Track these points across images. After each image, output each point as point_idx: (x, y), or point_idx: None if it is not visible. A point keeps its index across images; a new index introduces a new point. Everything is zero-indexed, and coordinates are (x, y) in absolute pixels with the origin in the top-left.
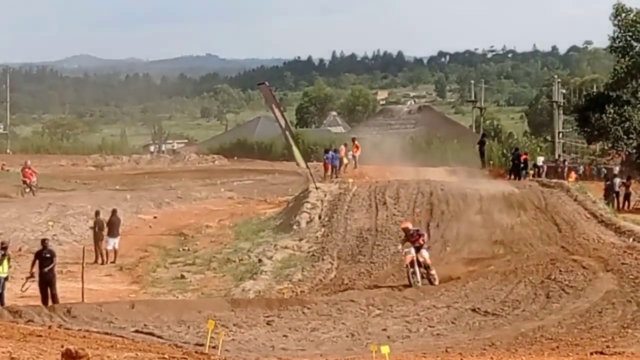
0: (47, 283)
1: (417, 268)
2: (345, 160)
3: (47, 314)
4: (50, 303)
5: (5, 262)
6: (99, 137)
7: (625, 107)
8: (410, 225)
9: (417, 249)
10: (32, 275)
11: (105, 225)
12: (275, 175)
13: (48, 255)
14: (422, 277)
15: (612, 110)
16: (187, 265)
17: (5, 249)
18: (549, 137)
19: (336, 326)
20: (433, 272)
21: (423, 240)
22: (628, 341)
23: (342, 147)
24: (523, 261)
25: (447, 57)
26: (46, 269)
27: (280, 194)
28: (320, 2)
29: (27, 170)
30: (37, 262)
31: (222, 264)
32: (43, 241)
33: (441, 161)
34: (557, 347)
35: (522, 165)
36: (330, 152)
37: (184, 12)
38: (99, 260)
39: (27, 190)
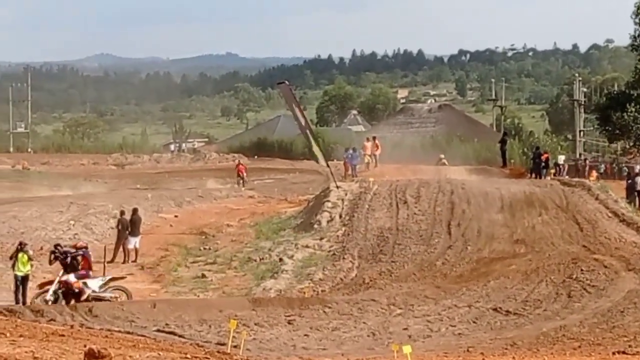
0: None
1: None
2: (366, 159)
3: (68, 313)
4: (72, 302)
5: (25, 261)
6: (120, 135)
7: None
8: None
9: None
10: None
11: (128, 224)
12: (296, 174)
13: (64, 257)
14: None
15: (633, 109)
16: (208, 264)
17: (23, 248)
18: (570, 136)
19: (357, 325)
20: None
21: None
22: None
23: (366, 144)
24: (544, 260)
25: (468, 55)
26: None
27: (301, 192)
28: (341, 1)
29: (240, 165)
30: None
31: (243, 263)
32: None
33: (462, 160)
34: (579, 346)
35: (543, 164)
36: (350, 151)
37: (204, 11)
38: (121, 260)
39: (240, 182)
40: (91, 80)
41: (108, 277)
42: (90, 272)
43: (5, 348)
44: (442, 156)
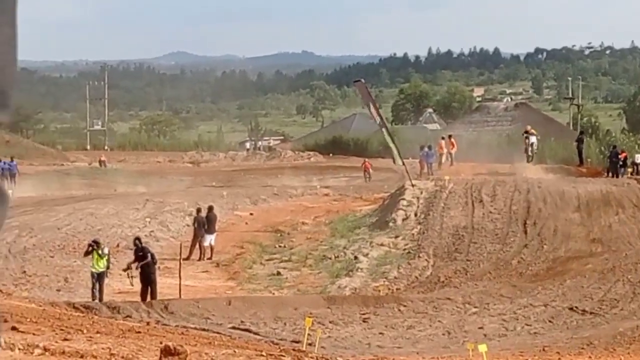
0: (145, 280)
1: None
2: (443, 158)
3: (144, 309)
4: (148, 299)
5: (101, 258)
6: (196, 133)
7: None
8: None
9: None
10: (128, 268)
11: (204, 222)
12: (371, 172)
13: (141, 254)
14: None
15: None
16: (283, 262)
17: (97, 245)
18: None
19: (432, 324)
20: None
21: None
22: None
23: (441, 142)
24: (621, 259)
25: (544, 53)
26: (146, 267)
27: (376, 190)
28: None
29: (367, 163)
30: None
31: (317, 261)
32: (134, 240)
33: (538, 159)
34: None
35: (620, 162)
36: (426, 149)
37: (280, 9)
38: (196, 257)
39: (367, 178)
40: (167, 78)
41: None
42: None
43: (82, 344)
44: (529, 127)
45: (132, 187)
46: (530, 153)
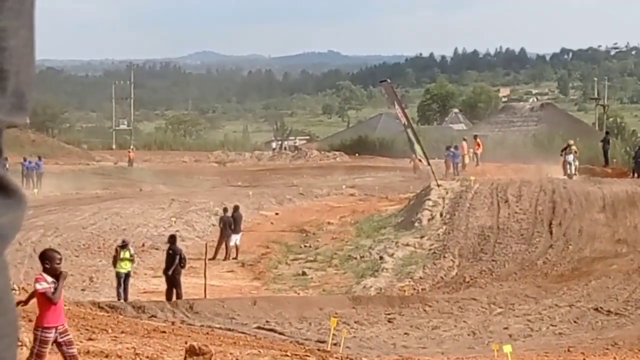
0: (170, 280)
1: None
2: (466, 160)
3: (169, 309)
4: (173, 299)
5: (127, 258)
6: (221, 133)
7: None
8: None
9: None
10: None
11: (230, 222)
12: (397, 172)
13: (170, 252)
14: None
15: None
16: (309, 262)
17: (125, 246)
18: None
19: (457, 324)
20: None
21: None
22: None
23: (463, 143)
24: None
25: (570, 54)
26: (172, 267)
27: (402, 190)
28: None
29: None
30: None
31: (343, 261)
32: (169, 238)
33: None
34: None
35: None
36: (452, 149)
37: (306, 9)
38: (222, 257)
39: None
40: (193, 78)
41: None
42: None
43: (107, 344)
44: (571, 142)
45: (157, 186)
46: (569, 171)
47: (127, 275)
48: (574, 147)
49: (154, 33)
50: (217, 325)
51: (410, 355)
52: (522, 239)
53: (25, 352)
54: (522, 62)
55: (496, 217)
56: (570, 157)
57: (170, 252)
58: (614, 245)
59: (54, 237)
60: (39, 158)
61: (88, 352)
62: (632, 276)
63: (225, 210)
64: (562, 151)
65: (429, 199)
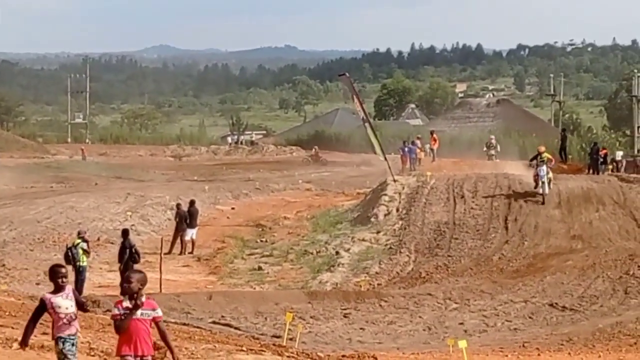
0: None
1: None
2: (422, 155)
3: None
4: None
5: (85, 252)
6: (178, 127)
7: None
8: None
9: None
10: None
11: (186, 216)
12: (353, 167)
13: (123, 246)
14: None
15: None
16: (265, 257)
17: (82, 238)
18: (628, 132)
19: (413, 319)
20: None
21: None
22: None
23: (417, 140)
24: (601, 256)
25: (527, 50)
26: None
27: (358, 186)
28: None
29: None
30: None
31: (299, 256)
32: (122, 232)
33: (520, 155)
34: (635, 343)
35: (601, 159)
36: (408, 145)
37: (263, 3)
38: (177, 251)
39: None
40: (150, 72)
41: None
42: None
43: None
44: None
45: (113, 180)
46: (541, 190)
47: (84, 269)
48: (546, 155)
49: (111, 27)
50: (173, 320)
51: (365, 350)
52: (478, 235)
53: None
54: (479, 58)
55: (452, 212)
56: (543, 170)
57: (123, 246)
58: (569, 241)
59: (9, 231)
60: None
61: (42, 346)
62: (587, 272)
63: (180, 204)
64: (531, 160)
65: (386, 194)
